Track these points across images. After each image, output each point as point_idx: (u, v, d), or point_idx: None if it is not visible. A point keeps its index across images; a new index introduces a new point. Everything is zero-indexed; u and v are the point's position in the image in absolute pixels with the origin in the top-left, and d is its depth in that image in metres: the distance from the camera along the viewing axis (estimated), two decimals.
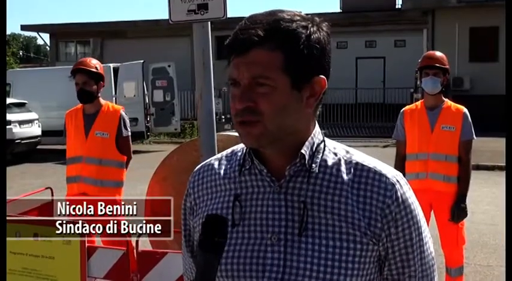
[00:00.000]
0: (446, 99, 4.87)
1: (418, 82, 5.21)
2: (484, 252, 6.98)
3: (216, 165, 1.52)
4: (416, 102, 5.07)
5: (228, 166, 1.49)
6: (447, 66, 4.81)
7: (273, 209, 1.39)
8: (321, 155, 1.41)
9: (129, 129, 5.06)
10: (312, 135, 1.41)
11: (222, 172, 1.49)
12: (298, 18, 1.36)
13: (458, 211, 4.69)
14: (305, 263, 1.35)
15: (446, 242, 4.76)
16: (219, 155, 1.56)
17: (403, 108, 5.05)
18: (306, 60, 1.34)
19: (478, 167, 12.55)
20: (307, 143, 1.40)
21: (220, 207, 1.45)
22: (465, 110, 4.79)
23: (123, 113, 5.03)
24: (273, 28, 1.32)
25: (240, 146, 1.51)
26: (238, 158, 1.48)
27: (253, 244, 1.39)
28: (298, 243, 1.36)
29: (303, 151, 1.38)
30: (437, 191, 4.70)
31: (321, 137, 1.43)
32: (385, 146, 17.09)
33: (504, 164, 13.05)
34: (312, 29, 1.35)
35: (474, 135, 4.78)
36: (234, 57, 1.34)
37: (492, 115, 19.57)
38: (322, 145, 1.42)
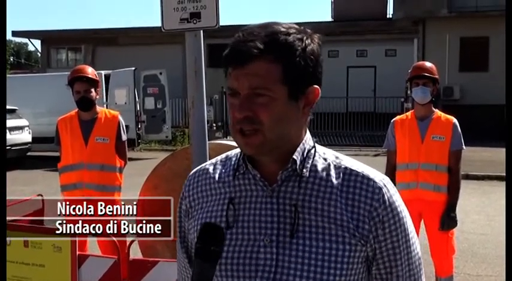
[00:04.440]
0: (436, 110, 4.91)
1: (409, 92, 5.25)
2: (474, 261, 7.00)
3: (211, 170, 1.57)
4: (407, 113, 5.11)
5: (223, 171, 1.54)
6: (437, 76, 4.85)
7: (265, 212, 1.44)
8: (311, 160, 1.46)
9: (126, 134, 5.11)
10: (304, 141, 1.47)
11: (216, 176, 1.54)
12: (293, 31, 1.40)
13: (448, 221, 4.73)
14: (296, 263, 1.40)
15: (436, 252, 4.78)
16: (213, 160, 1.60)
17: (394, 119, 5.09)
18: (302, 71, 1.39)
19: (468, 177, 12.58)
20: (298, 149, 1.45)
21: (215, 210, 1.50)
22: (455, 120, 4.84)
23: (121, 118, 5.08)
24: (271, 41, 1.36)
25: (234, 152, 1.56)
26: (232, 163, 1.53)
27: (247, 245, 1.44)
28: (290, 244, 1.41)
29: (294, 157, 1.43)
30: (427, 200, 4.73)
31: (311, 143, 1.49)
32: (375, 155, 17.13)
33: (494, 173, 13.18)
34: (306, 42, 1.40)
35: (464, 146, 4.83)
36: (233, 69, 1.38)
37: (482, 125, 19.71)
38: (312, 151, 1.48)
